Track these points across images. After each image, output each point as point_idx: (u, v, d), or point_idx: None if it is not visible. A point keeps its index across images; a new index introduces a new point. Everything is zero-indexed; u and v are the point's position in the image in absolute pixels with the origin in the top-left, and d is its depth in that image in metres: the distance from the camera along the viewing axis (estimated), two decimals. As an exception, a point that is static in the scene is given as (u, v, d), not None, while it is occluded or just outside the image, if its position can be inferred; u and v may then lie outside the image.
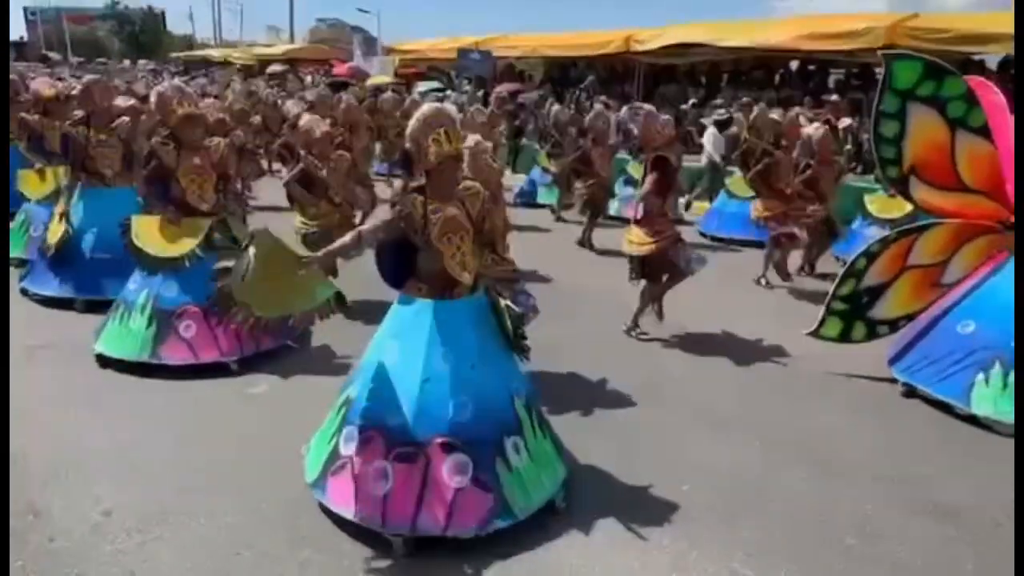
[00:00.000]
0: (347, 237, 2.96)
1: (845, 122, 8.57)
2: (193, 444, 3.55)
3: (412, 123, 2.83)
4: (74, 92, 6.25)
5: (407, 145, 2.88)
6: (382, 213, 2.99)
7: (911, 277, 4.47)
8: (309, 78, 22.09)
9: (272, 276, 3.05)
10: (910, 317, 4.60)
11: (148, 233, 4.34)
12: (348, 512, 2.82)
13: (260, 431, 3.67)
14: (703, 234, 8.64)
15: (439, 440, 2.78)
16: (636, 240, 4.98)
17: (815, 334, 4.66)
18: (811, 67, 14.84)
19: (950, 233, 4.37)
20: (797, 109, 9.07)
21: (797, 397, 4.34)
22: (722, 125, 9.55)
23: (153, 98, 4.40)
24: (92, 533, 2.86)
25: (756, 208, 6.72)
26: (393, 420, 2.83)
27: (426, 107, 2.89)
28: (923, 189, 4.34)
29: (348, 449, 2.89)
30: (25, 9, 51.39)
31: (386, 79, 19.57)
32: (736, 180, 8.42)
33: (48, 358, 4.52)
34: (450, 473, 2.77)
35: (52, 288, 5.34)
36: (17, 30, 48.63)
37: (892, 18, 11.69)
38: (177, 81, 5.51)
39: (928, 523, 3.10)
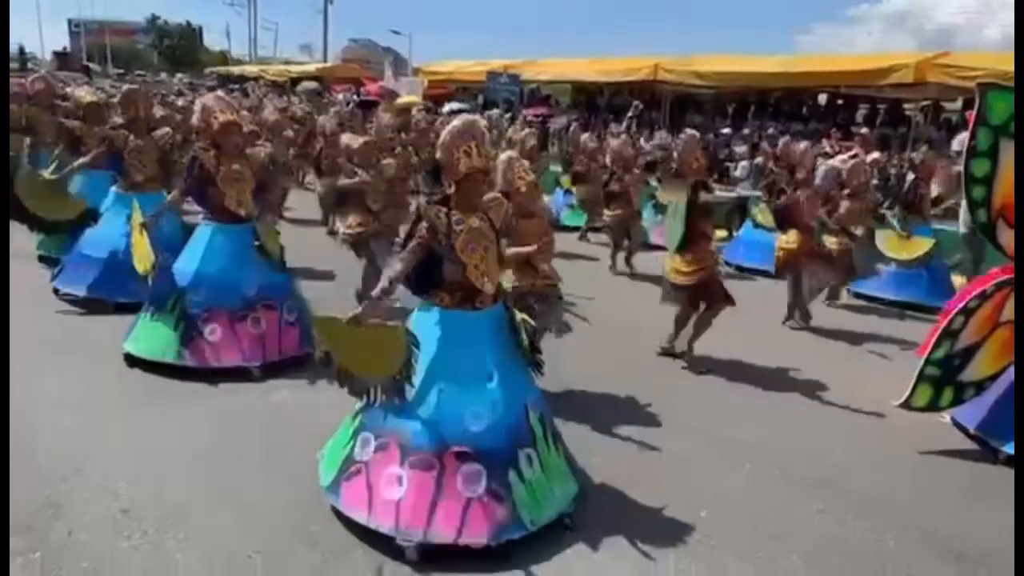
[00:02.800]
0: (381, 286, 2.95)
1: (874, 156, 8.51)
2: (213, 446, 3.58)
3: (444, 135, 2.89)
4: (114, 100, 6.42)
5: (438, 155, 2.93)
6: (409, 241, 2.99)
7: (1002, 334, 4.03)
8: (340, 96, 22.44)
9: (358, 347, 2.95)
10: (994, 377, 4.16)
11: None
12: (361, 517, 2.83)
13: (279, 436, 3.69)
14: (727, 263, 8.58)
15: (454, 449, 2.80)
16: (679, 268, 4.93)
17: (905, 405, 4.18)
18: (839, 101, 14.83)
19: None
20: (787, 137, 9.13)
21: (821, 431, 4.27)
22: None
23: (196, 107, 4.57)
24: (110, 529, 2.89)
25: (781, 242, 6.48)
26: (409, 427, 2.85)
27: (459, 120, 2.95)
28: (1008, 234, 3.89)
29: (363, 455, 2.92)
30: (70, 21, 53.06)
31: (415, 99, 19.82)
32: (761, 210, 8.39)
33: (75, 357, 4.59)
34: (464, 482, 2.78)
35: (84, 289, 5.44)
36: (60, 41, 50.20)
37: (922, 56, 11.69)
38: (219, 92, 5.68)
39: (953, 569, 3.01)
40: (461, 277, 2.96)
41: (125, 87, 6.49)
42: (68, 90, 7.20)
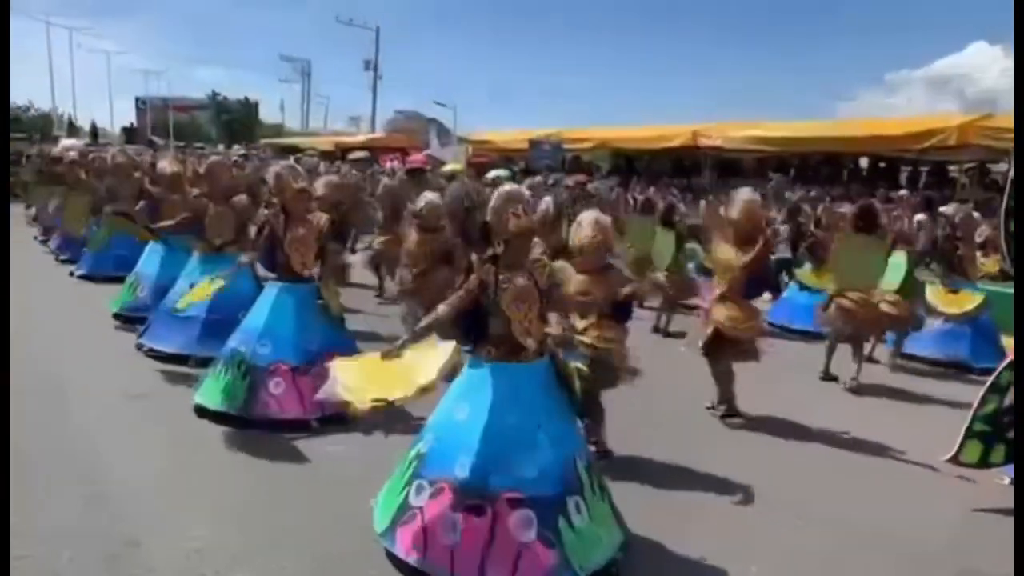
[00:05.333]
0: (427, 320, 3.17)
1: (919, 217, 8.44)
2: (275, 493, 3.73)
3: (495, 199, 3.13)
4: (200, 170, 6.97)
5: (488, 217, 3.15)
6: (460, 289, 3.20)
7: None
8: (388, 164, 23.34)
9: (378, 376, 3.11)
10: None
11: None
12: (416, 561, 2.91)
13: (335, 485, 3.83)
14: (771, 324, 8.56)
15: (506, 495, 2.88)
16: (731, 316, 4.95)
17: (954, 460, 4.12)
18: (881, 164, 14.88)
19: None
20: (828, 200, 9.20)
21: (871, 484, 4.22)
22: None
23: (271, 177, 4.94)
24: (184, 566, 3.04)
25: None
26: (462, 474, 2.94)
27: (506, 187, 3.21)
28: None
29: (418, 500, 3.01)
30: (137, 99, 56.60)
31: (459, 167, 20.54)
32: (805, 272, 8.40)
33: (152, 407, 4.85)
34: (516, 528, 2.85)
35: (169, 345, 5.73)
36: (129, 116, 53.52)
37: (965, 118, 11.76)
38: (291, 161, 6.10)
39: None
40: (506, 332, 3.11)
41: (211, 158, 6.98)
42: (161, 163, 7.83)
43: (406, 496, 3.07)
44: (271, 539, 3.28)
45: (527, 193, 3.24)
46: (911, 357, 7.13)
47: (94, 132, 43.11)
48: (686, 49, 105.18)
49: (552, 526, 2.89)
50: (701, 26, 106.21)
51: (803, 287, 8.40)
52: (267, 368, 4.57)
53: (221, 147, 40.69)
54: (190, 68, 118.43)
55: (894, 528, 3.68)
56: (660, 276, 6.34)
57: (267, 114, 60.04)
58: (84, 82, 75.57)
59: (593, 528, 3.02)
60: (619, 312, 4.09)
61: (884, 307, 6.30)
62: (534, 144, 18.61)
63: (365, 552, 3.16)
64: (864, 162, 15.30)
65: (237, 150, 35.36)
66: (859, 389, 6.12)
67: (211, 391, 4.64)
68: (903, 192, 11.86)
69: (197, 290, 5.07)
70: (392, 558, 3.04)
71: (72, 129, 46.50)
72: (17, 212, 17.25)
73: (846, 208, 8.44)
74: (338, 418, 4.58)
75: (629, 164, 19.08)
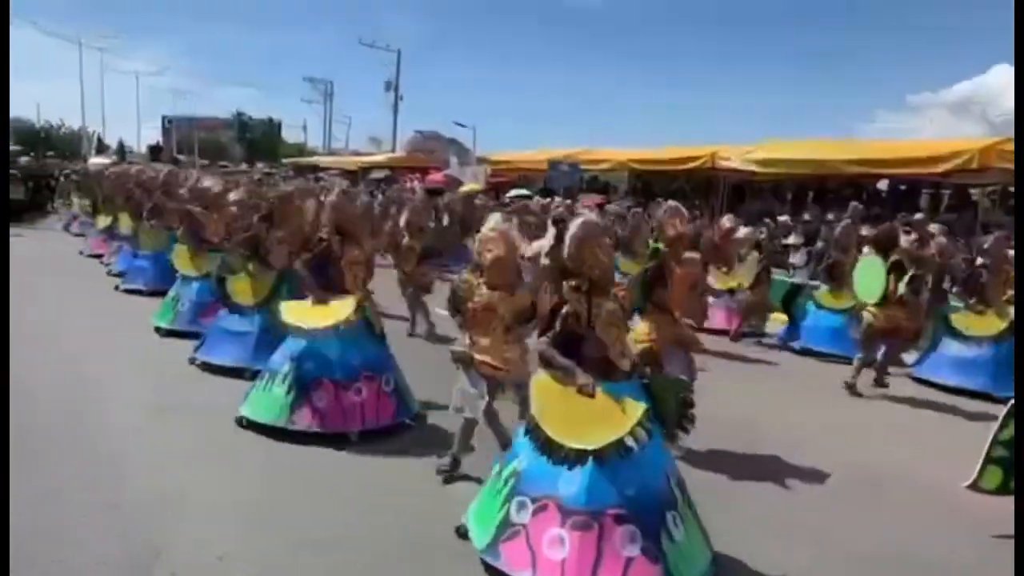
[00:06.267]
0: (557, 362, 3.30)
1: (940, 241, 8.34)
2: (302, 503, 3.83)
3: (577, 231, 3.31)
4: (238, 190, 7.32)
5: (571, 248, 3.32)
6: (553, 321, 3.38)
7: None
8: (408, 183, 23.59)
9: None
10: None
11: (299, 312, 4.84)
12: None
13: (370, 496, 3.94)
14: (788, 347, 8.52)
15: (611, 511, 2.96)
16: (636, 336, 4.52)
17: (973, 487, 4.08)
18: (902, 187, 14.78)
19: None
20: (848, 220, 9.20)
21: (891, 510, 4.23)
22: None
23: (332, 202, 5.18)
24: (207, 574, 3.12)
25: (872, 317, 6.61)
26: (566, 491, 3.01)
27: (589, 219, 3.42)
28: None
29: (521, 517, 3.08)
30: (163, 117, 57.79)
31: (477, 187, 20.73)
32: (824, 293, 8.34)
33: (180, 417, 4.99)
34: (622, 543, 2.93)
35: (225, 358, 5.93)
36: (155, 135, 54.63)
37: (986, 141, 11.67)
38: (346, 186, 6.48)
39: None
40: (600, 354, 3.28)
41: (290, 184, 7.20)
42: (206, 182, 8.17)
43: (506, 513, 3.14)
44: (294, 548, 3.36)
45: (603, 223, 3.44)
46: (930, 383, 7.04)
47: (121, 150, 44.04)
48: (704, 70, 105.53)
49: (655, 540, 2.97)
50: (719, 47, 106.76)
51: (820, 307, 8.36)
52: (311, 382, 4.70)
53: (244, 165, 41.35)
54: (215, 88, 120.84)
55: (917, 553, 3.69)
56: None
57: (290, 134, 61.02)
58: (113, 101, 77.61)
59: (689, 543, 3.11)
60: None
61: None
62: (554, 165, 18.74)
63: (387, 560, 3.27)
64: (883, 185, 15.21)
65: (260, 168, 35.97)
66: (882, 412, 6.15)
67: (257, 403, 4.79)
68: (919, 215, 11.77)
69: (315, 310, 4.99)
70: (491, 571, 3.11)
71: (101, 147, 47.53)
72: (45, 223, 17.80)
73: (866, 230, 8.45)
74: (376, 432, 4.73)
75: (646, 185, 19.14)
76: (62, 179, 22.54)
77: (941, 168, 11.84)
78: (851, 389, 6.60)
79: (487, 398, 3.87)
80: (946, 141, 13.33)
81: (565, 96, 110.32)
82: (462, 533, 3.38)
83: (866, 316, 6.72)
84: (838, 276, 8.07)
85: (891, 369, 6.97)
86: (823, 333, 8.18)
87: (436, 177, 24.46)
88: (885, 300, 6.61)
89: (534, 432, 3.20)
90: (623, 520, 2.94)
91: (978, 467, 4.06)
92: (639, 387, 3.28)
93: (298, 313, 4.84)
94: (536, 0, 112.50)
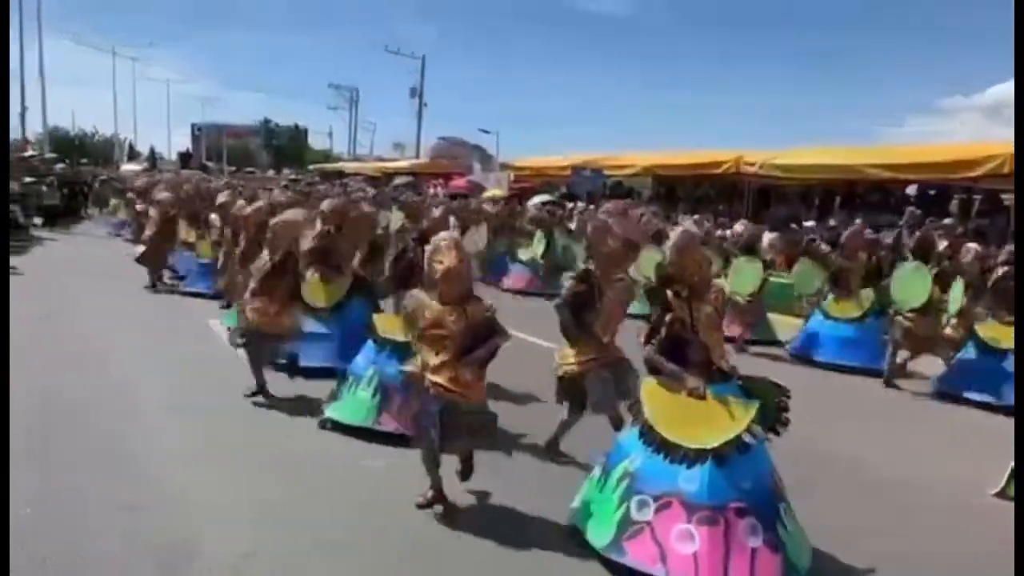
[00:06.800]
0: (666, 367, 3.46)
1: (972, 246, 8.08)
2: (328, 502, 3.86)
3: (677, 241, 3.47)
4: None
5: (673, 257, 3.49)
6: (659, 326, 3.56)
7: None
8: (431, 189, 23.77)
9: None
10: None
11: (390, 325, 4.92)
12: (660, 571, 3.04)
13: (387, 495, 3.91)
14: (794, 355, 8.13)
15: (732, 505, 3.08)
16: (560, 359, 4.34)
17: (1001, 495, 4.14)
18: (931, 192, 14.53)
19: None
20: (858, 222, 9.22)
21: (917, 517, 4.12)
22: None
23: (437, 214, 5.42)
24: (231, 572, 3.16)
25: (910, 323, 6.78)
26: (687, 487, 3.13)
27: (683, 233, 3.53)
28: None
29: (643, 515, 3.18)
30: (193, 125, 58.89)
31: (500, 192, 20.82)
32: (830, 301, 8.02)
33: (210, 417, 5.08)
34: (746, 535, 3.06)
35: (314, 360, 6.01)
36: (185, 142, 55.71)
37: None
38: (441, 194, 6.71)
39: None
40: (703, 357, 3.41)
41: (336, 200, 7.34)
42: (274, 191, 8.52)
43: (626, 512, 3.23)
44: (319, 546, 3.39)
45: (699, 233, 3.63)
46: (955, 398, 6.70)
47: (152, 157, 44.97)
48: (729, 73, 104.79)
49: (773, 531, 3.12)
50: (743, 50, 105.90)
51: (827, 316, 8.02)
52: (395, 385, 4.75)
53: (271, 172, 41.96)
54: (243, 95, 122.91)
55: (945, 563, 3.61)
56: None
57: (315, 140, 61.79)
58: (144, 109, 79.43)
59: (798, 532, 3.28)
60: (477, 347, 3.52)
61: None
62: (577, 170, 18.76)
63: (413, 558, 3.31)
64: (912, 190, 14.97)
65: (287, 175, 36.48)
66: (905, 420, 6.09)
67: (343, 407, 4.92)
68: (948, 220, 11.54)
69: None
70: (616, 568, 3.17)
71: (132, 153, 48.60)
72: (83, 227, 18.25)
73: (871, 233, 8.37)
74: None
75: (670, 191, 19.04)
76: (96, 185, 23.29)
77: (973, 173, 11.63)
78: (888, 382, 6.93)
79: (438, 426, 3.49)
80: (977, 145, 13.09)
81: (588, 100, 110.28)
82: (572, 534, 3.46)
83: (902, 322, 6.76)
84: (844, 284, 7.86)
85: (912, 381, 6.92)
86: (829, 343, 7.79)
87: (459, 183, 24.63)
88: (926, 308, 6.69)
89: (649, 434, 3.32)
90: (744, 513, 3.07)
91: (1006, 475, 4.06)
92: (738, 388, 3.39)
93: (389, 324, 4.94)
94: (563, 7, 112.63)
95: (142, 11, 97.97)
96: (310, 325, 6.11)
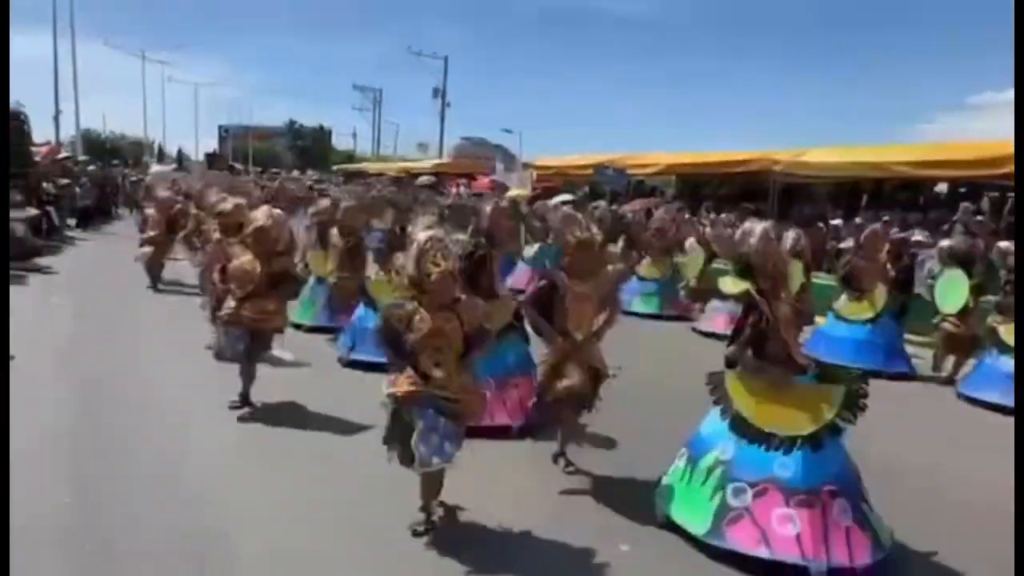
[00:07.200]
0: (747, 360, 3.62)
1: (1003, 245, 7.92)
2: (361, 496, 3.91)
3: (757, 239, 3.51)
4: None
5: (753, 258, 3.53)
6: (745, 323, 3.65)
7: None
8: (454, 189, 23.85)
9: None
10: None
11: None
12: (764, 553, 3.24)
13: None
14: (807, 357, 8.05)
15: (826, 487, 3.32)
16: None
17: None
18: (961, 189, 14.27)
19: None
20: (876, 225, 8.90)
21: (946, 522, 4.09)
22: None
23: (489, 210, 5.43)
24: (269, 567, 3.24)
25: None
26: (783, 474, 3.34)
27: (765, 230, 3.54)
28: None
29: (740, 501, 3.37)
30: (220, 127, 59.70)
31: (523, 192, 20.80)
32: (842, 303, 7.83)
33: (246, 413, 5.21)
34: (839, 515, 3.29)
35: (376, 356, 6.04)
36: (212, 144, 56.54)
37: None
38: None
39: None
40: (782, 352, 3.53)
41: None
42: (333, 192, 8.90)
43: (723, 499, 3.42)
44: (353, 540, 3.46)
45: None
46: (974, 401, 6.59)
47: (179, 158, 45.75)
48: (756, 70, 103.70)
49: (860, 511, 3.38)
50: (772, 49, 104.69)
51: (840, 318, 7.82)
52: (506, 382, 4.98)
53: (296, 172, 42.39)
54: (269, 97, 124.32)
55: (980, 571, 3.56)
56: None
57: (339, 141, 62.30)
58: (172, 111, 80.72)
59: (878, 513, 3.49)
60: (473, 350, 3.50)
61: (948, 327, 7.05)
62: (600, 170, 18.71)
63: (451, 554, 3.35)
64: (943, 187, 14.70)
65: (312, 175, 36.84)
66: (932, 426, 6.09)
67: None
68: (979, 217, 11.34)
69: None
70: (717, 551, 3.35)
71: (161, 155, 49.44)
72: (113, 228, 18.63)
73: (923, 236, 8.21)
74: (528, 427, 4.96)
75: (694, 189, 18.90)
76: (127, 185, 23.86)
77: (1004, 170, 11.40)
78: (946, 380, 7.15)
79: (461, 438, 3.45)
80: (1008, 141, 12.82)
81: (607, 100, 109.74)
82: (663, 525, 3.63)
83: (947, 327, 7.07)
84: (858, 284, 7.67)
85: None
86: (842, 344, 7.51)
87: (483, 183, 24.65)
88: (964, 312, 6.96)
89: (740, 426, 3.51)
90: (836, 495, 3.30)
91: None
92: (814, 377, 3.57)
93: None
94: (586, 9, 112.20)
95: (171, 14, 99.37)
96: (371, 319, 6.03)
